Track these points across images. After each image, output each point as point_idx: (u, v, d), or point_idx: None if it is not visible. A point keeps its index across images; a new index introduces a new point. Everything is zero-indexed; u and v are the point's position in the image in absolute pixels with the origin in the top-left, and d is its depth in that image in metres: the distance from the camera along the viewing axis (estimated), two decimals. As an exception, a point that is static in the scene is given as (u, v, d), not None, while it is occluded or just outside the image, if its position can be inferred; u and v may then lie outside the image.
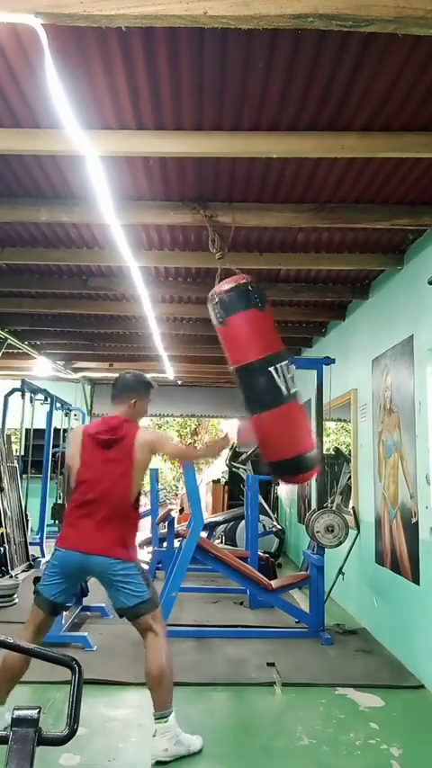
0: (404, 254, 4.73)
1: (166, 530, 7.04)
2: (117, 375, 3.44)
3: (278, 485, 9.85)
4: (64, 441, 10.68)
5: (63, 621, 4.58)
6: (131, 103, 2.92)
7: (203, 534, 7.12)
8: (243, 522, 7.75)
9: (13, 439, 9.13)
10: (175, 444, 3.36)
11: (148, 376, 3.44)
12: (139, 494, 3.23)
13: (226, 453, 10.09)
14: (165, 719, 2.91)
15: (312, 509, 5.61)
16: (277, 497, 10.06)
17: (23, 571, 6.93)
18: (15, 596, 5.71)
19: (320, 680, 4.00)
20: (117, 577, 2.95)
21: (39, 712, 1.19)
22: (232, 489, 10.60)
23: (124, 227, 4.11)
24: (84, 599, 5.21)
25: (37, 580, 4.62)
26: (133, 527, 3.15)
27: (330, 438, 9.32)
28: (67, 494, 11.05)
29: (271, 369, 3.32)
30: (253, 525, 6.64)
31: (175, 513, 8.13)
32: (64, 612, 4.63)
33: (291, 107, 2.94)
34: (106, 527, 3.00)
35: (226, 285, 3.44)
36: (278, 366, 3.35)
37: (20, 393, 8.31)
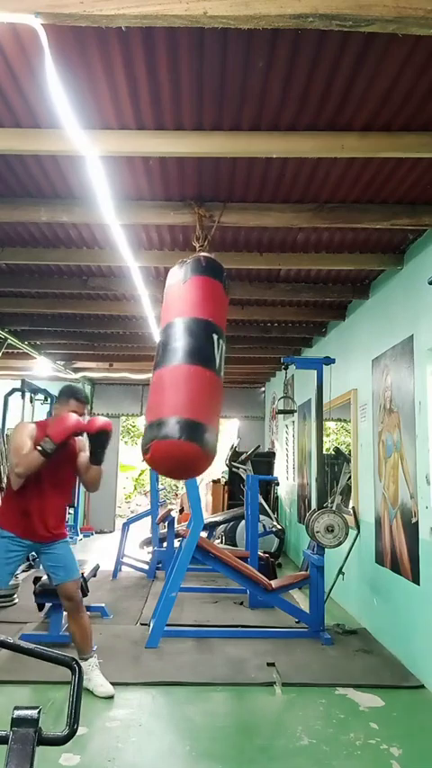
0: (404, 254, 4.73)
1: (166, 530, 7.04)
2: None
3: (278, 484, 9.84)
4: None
5: (63, 621, 4.58)
6: (131, 103, 2.92)
7: (203, 534, 7.12)
8: (243, 522, 7.75)
9: (13, 439, 9.10)
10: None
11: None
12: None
13: (226, 453, 10.07)
14: None
15: (312, 509, 5.60)
16: (277, 497, 10.05)
17: (23, 571, 6.92)
18: (15, 596, 5.71)
19: (320, 680, 4.00)
20: None
21: (39, 712, 1.19)
22: (232, 489, 10.58)
23: (124, 227, 4.11)
24: (83, 599, 5.19)
25: (37, 580, 4.66)
26: None
27: (330, 438, 9.32)
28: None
29: (214, 335, 3.25)
30: (253, 525, 6.64)
31: (175, 513, 8.12)
32: (64, 612, 4.63)
33: (291, 107, 2.94)
34: None
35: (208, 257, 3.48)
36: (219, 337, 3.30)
37: (20, 393, 8.31)
